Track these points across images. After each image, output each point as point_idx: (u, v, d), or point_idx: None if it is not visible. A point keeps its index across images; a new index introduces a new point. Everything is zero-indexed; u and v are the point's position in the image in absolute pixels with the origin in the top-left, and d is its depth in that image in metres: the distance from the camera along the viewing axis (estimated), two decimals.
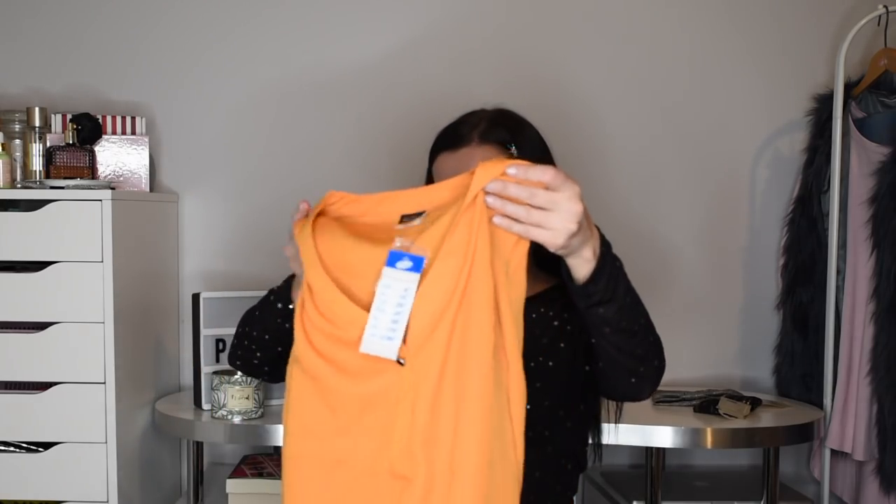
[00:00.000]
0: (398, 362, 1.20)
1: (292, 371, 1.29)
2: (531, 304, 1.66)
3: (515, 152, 1.60)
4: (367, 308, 1.20)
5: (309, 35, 2.73)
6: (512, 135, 1.61)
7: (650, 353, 1.43)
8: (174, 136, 2.73)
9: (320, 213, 1.31)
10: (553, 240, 1.20)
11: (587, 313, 1.35)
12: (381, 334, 1.19)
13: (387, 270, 1.20)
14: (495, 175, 1.19)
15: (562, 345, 1.59)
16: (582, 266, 1.28)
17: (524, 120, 1.67)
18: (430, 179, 1.67)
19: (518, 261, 1.22)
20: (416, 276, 1.18)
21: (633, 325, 1.38)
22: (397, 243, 1.21)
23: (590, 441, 1.71)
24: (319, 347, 1.26)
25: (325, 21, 2.73)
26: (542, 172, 1.18)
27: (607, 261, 1.29)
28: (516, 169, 1.18)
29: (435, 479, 1.20)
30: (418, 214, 1.25)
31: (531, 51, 2.74)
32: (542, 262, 1.58)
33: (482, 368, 1.19)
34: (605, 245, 1.29)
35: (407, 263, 1.20)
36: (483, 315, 1.19)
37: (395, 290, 1.19)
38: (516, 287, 1.22)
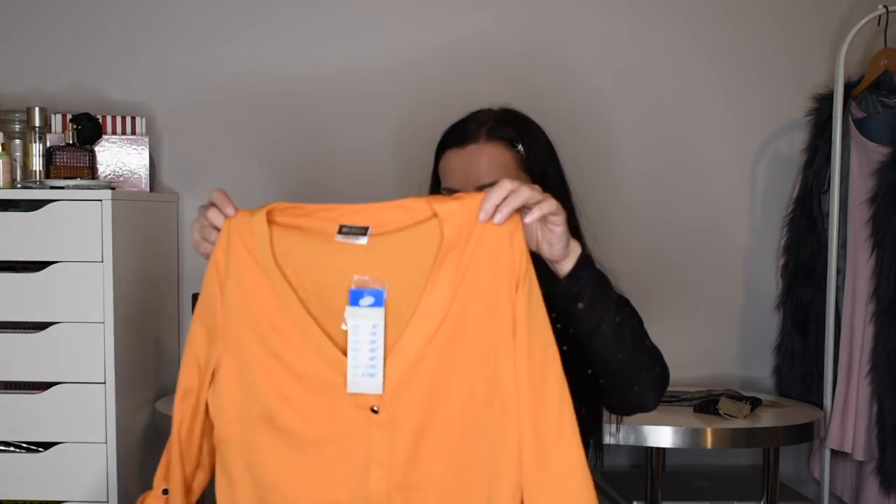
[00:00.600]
0: (372, 410, 1.21)
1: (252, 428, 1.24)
2: None
3: (522, 150, 1.59)
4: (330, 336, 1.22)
5: (309, 36, 2.73)
6: (519, 133, 1.61)
7: (648, 359, 1.44)
8: (174, 136, 2.73)
9: (270, 221, 1.28)
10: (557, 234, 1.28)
11: (576, 317, 1.38)
12: (363, 372, 1.21)
13: (351, 310, 1.22)
14: (475, 208, 1.23)
15: (563, 348, 1.59)
16: (573, 255, 1.33)
17: (531, 120, 1.67)
18: (435, 177, 1.67)
19: (532, 283, 1.24)
20: (380, 311, 1.21)
21: (626, 324, 1.39)
22: (355, 279, 1.23)
23: (591, 443, 1.71)
24: (284, 390, 1.24)
25: (326, 21, 2.73)
26: (502, 189, 1.24)
27: (588, 261, 1.35)
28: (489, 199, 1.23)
29: None
30: (362, 229, 1.24)
31: (532, 51, 2.73)
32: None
33: (464, 413, 1.22)
34: (584, 249, 1.36)
35: (369, 300, 1.22)
36: (473, 357, 1.22)
37: (365, 328, 1.21)
38: (538, 312, 1.24)
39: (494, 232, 1.22)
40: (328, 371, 1.22)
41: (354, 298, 1.22)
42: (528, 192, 1.24)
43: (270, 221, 1.27)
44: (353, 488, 1.22)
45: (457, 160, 1.62)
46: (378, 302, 1.22)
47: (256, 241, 1.26)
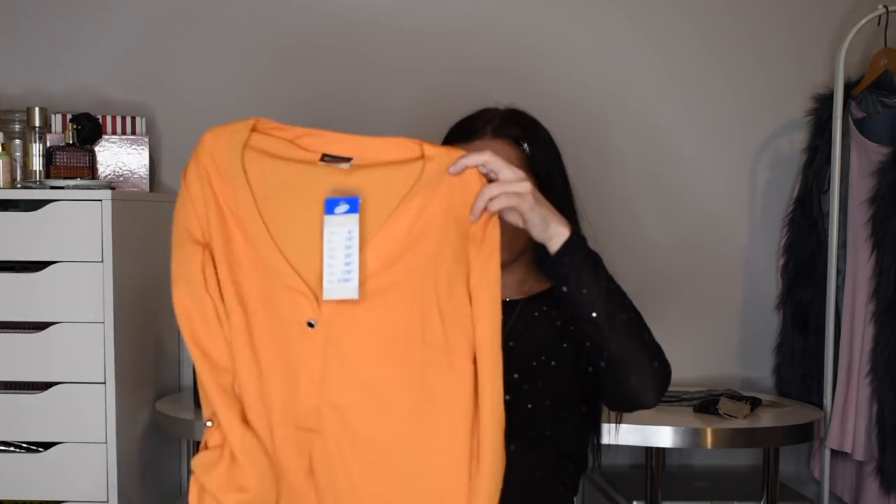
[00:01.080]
0: (308, 324, 1.25)
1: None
2: (534, 301, 1.67)
3: (528, 149, 1.59)
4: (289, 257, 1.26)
5: (309, 35, 2.73)
6: (524, 132, 1.61)
7: (647, 354, 1.42)
8: (174, 136, 2.73)
9: (248, 142, 1.32)
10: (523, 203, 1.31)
11: (563, 301, 1.39)
12: (338, 278, 1.23)
13: (327, 218, 1.24)
14: (453, 158, 1.28)
15: (564, 345, 1.59)
16: (556, 238, 1.35)
17: (536, 120, 1.67)
18: None
19: (492, 241, 1.28)
20: (355, 217, 1.24)
21: (619, 314, 1.38)
22: (331, 189, 1.26)
23: (591, 442, 1.71)
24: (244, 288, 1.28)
25: (325, 21, 2.73)
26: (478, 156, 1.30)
27: (581, 239, 1.36)
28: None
29: (343, 438, 1.25)
30: (345, 159, 1.28)
31: (531, 52, 2.74)
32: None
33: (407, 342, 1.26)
34: (574, 233, 1.36)
35: (344, 207, 1.24)
36: (424, 295, 1.26)
37: (340, 234, 1.24)
38: (492, 270, 1.28)
39: (461, 185, 1.28)
40: (276, 281, 1.26)
41: (330, 207, 1.25)
42: (499, 169, 1.30)
43: (247, 145, 1.31)
44: (286, 398, 1.26)
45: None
46: (353, 209, 1.24)
47: (230, 160, 1.30)
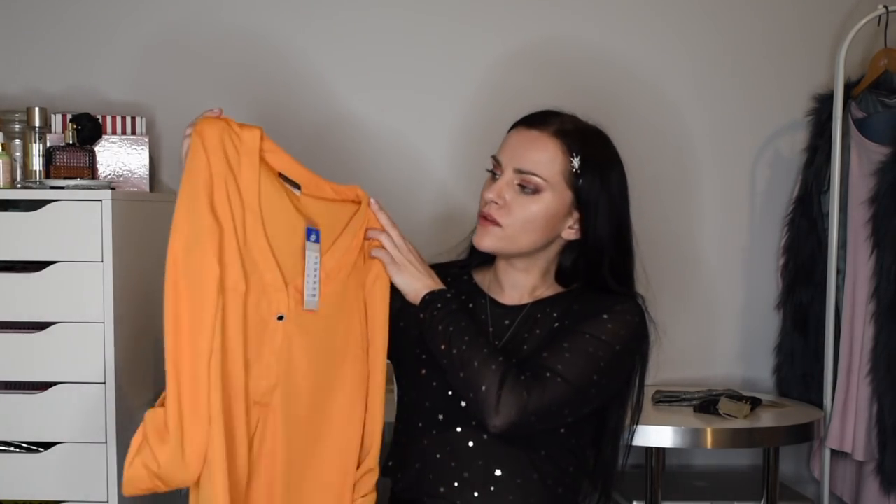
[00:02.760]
0: (278, 318, 1.53)
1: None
2: (539, 305, 1.67)
3: (578, 166, 1.62)
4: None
5: (309, 36, 2.73)
6: (584, 148, 1.64)
7: (462, 388, 1.58)
8: (174, 136, 2.73)
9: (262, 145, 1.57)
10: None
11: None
12: (310, 293, 1.56)
13: (308, 244, 1.56)
14: (371, 222, 1.65)
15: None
16: (415, 298, 1.65)
17: (612, 153, 1.70)
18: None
19: (377, 268, 1.65)
20: (318, 246, 1.57)
21: (451, 352, 1.57)
22: (306, 219, 1.56)
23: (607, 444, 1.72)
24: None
25: (325, 22, 2.73)
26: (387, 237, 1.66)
27: (426, 305, 1.62)
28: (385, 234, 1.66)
29: (285, 412, 1.53)
30: (296, 185, 1.58)
31: (531, 52, 2.74)
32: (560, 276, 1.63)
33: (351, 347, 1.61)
34: (432, 295, 1.63)
35: (313, 237, 1.57)
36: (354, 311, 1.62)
37: (311, 259, 1.56)
38: (378, 287, 1.65)
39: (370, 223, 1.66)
40: (259, 275, 1.51)
41: (308, 234, 1.56)
42: (392, 249, 1.64)
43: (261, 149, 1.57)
44: (248, 375, 1.50)
45: (517, 137, 1.66)
46: (317, 239, 1.57)
47: (249, 152, 1.54)
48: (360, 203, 1.64)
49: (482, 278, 1.76)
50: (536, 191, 1.62)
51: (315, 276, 1.56)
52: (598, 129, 1.71)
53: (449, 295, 1.62)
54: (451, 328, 1.57)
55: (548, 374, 1.53)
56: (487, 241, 1.65)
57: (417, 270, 1.64)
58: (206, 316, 1.48)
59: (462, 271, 1.77)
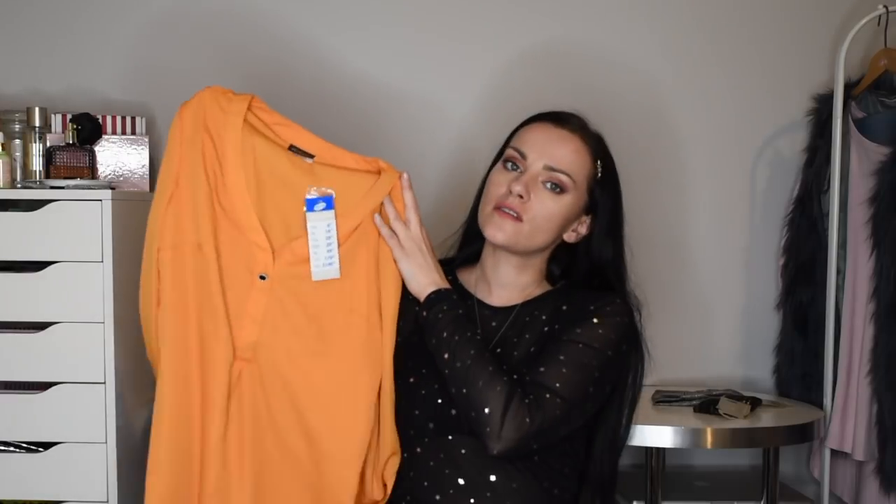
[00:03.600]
0: (260, 277, 1.56)
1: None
2: (529, 305, 1.67)
3: (599, 171, 1.65)
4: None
5: (308, 36, 2.73)
6: (604, 156, 1.68)
7: (462, 405, 1.54)
8: None
9: (246, 115, 1.59)
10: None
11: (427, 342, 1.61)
12: (323, 263, 1.55)
13: (309, 215, 1.54)
14: (394, 194, 1.60)
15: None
16: (419, 294, 1.61)
17: (614, 162, 1.72)
18: (504, 148, 1.72)
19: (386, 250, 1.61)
20: (332, 212, 1.55)
21: (456, 363, 1.55)
22: (311, 192, 1.56)
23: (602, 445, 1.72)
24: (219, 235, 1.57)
25: (324, 23, 2.73)
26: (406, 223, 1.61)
27: (440, 297, 1.59)
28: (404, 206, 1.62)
29: (269, 371, 1.56)
30: (309, 154, 1.57)
31: (531, 52, 2.74)
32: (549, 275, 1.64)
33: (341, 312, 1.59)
34: (434, 293, 1.59)
35: (322, 205, 1.55)
36: (361, 275, 1.58)
37: (321, 228, 1.55)
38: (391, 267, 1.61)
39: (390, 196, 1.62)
40: (242, 236, 1.55)
41: (310, 205, 1.55)
42: (402, 237, 1.59)
43: (246, 118, 1.58)
44: (229, 330, 1.55)
45: (546, 132, 1.65)
46: (329, 205, 1.55)
47: (227, 123, 1.56)
48: (379, 174, 1.61)
49: (467, 277, 1.75)
50: (563, 190, 1.62)
51: (329, 243, 1.54)
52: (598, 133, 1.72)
53: (455, 297, 1.60)
54: (457, 337, 1.55)
55: (547, 395, 1.52)
56: (503, 235, 1.62)
57: (426, 262, 1.60)
58: (151, 270, 1.57)
59: (445, 269, 1.74)
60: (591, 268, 1.68)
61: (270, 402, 1.57)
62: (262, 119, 1.60)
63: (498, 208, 1.62)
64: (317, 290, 1.57)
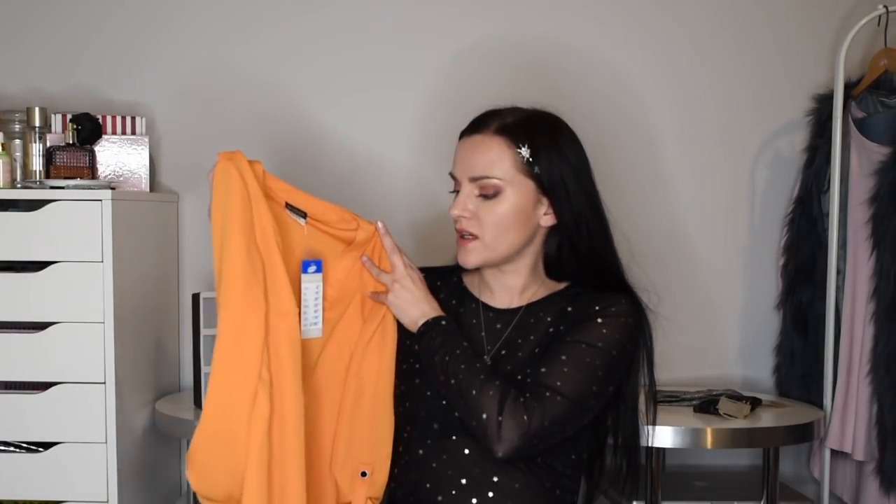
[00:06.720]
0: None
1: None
2: (534, 308, 1.67)
3: (528, 153, 1.60)
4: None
5: (307, 37, 2.73)
6: (528, 135, 1.61)
7: (465, 417, 1.56)
8: (174, 136, 2.73)
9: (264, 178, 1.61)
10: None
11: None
12: (310, 323, 1.63)
13: (303, 276, 1.62)
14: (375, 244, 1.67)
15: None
16: (411, 327, 1.64)
17: (560, 128, 1.67)
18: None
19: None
20: (320, 276, 1.64)
21: (443, 387, 1.58)
22: (307, 252, 1.62)
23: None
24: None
25: (323, 23, 2.73)
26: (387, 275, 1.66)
27: (421, 335, 1.61)
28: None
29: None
30: (302, 213, 1.62)
31: (530, 52, 2.74)
32: (549, 269, 1.62)
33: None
34: (428, 325, 1.61)
35: (313, 268, 1.63)
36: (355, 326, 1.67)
37: (311, 290, 1.62)
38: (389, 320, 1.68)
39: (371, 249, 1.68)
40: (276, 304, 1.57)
41: (304, 267, 1.62)
42: (388, 281, 1.64)
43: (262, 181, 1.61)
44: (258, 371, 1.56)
45: (463, 147, 1.65)
46: (318, 269, 1.63)
47: (256, 188, 1.58)
48: (357, 228, 1.66)
49: (472, 280, 1.75)
50: (497, 193, 1.60)
51: (316, 305, 1.63)
52: (543, 111, 1.68)
53: (444, 322, 1.61)
54: (447, 357, 1.56)
55: (547, 394, 1.52)
56: (472, 257, 1.64)
57: (413, 296, 1.63)
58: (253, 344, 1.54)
59: (452, 273, 1.76)
60: (573, 241, 1.65)
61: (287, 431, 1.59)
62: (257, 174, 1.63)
63: (460, 236, 1.65)
64: (322, 346, 1.65)
